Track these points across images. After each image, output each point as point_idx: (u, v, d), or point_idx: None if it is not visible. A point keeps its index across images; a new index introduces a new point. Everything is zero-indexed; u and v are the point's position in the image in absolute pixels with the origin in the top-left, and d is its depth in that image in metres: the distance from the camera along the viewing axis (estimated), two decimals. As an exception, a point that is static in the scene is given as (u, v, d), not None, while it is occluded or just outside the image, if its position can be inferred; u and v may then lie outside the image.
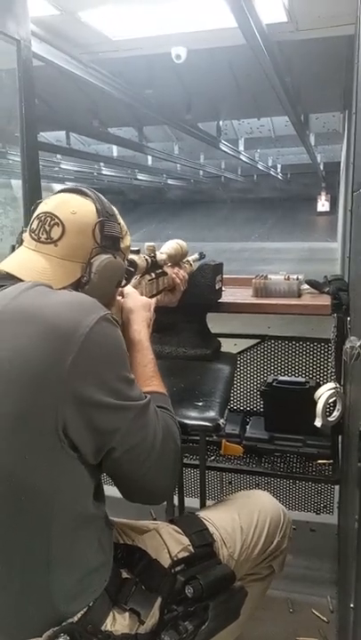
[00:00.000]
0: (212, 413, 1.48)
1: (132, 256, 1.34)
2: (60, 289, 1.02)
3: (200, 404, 1.52)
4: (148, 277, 1.48)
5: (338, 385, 1.81)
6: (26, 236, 1.10)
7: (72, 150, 7.54)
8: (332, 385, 1.79)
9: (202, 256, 1.90)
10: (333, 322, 1.91)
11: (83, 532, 0.98)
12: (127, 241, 1.18)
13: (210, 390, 1.62)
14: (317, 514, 2.48)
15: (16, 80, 1.93)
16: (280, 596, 2.00)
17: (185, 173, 13.73)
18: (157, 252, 1.53)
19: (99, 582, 1.02)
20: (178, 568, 1.15)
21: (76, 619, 0.97)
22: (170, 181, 15.36)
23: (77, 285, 1.06)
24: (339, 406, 1.80)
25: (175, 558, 1.17)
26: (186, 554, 1.19)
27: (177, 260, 1.70)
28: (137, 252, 1.39)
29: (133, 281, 1.37)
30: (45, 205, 1.09)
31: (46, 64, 3.20)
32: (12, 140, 2.03)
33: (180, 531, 1.24)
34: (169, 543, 1.20)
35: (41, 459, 0.89)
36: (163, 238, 1.53)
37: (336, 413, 1.80)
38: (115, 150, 9.49)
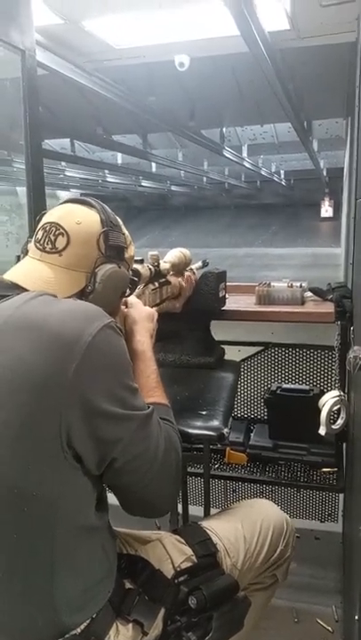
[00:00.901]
0: (216, 422, 1.47)
1: (135, 265, 1.35)
2: (64, 298, 1.02)
3: (204, 412, 1.51)
4: (151, 287, 1.48)
5: (342, 393, 1.80)
6: (31, 246, 1.11)
7: (77, 158, 7.56)
8: (336, 393, 1.78)
9: (205, 264, 1.90)
10: (337, 329, 1.90)
11: (86, 542, 0.98)
12: (131, 251, 1.19)
13: (214, 399, 1.61)
14: (322, 522, 2.47)
15: (20, 89, 1.94)
16: (284, 605, 1.99)
17: (189, 180, 13.74)
18: (161, 262, 1.53)
19: (102, 593, 1.01)
20: (181, 578, 1.15)
21: (79, 630, 0.96)
22: (174, 188, 15.37)
23: (82, 295, 1.06)
24: (343, 414, 1.79)
25: (178, 569, 1.17)
26: (189, 564, 1.19)
27: (180, 268, 1.71)
28: (141, 261, 1.40)
29: (137, 290, 1.37)
30: (50, 216, 1.10)
31: (50, 73, 3.22)
32: (17, 147, 2.04)
33: (183, 541, 1.24)
34: (172, 553, 1.19)
35: (44, 468, 0.89)
36: (166, 245, 1.54)
37: (340, 421, 1.79)
38: (119, 157, 9.52)
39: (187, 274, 1.76)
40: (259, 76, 3.57)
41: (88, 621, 0.98)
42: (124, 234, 1.15)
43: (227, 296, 2.00)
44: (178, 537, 1.25)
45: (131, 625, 1.04)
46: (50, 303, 0.97)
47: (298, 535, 2.45)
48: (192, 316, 1.83)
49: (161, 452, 1.00)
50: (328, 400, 1.77)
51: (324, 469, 2.08)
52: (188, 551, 1.21)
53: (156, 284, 1.51)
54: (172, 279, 1.63)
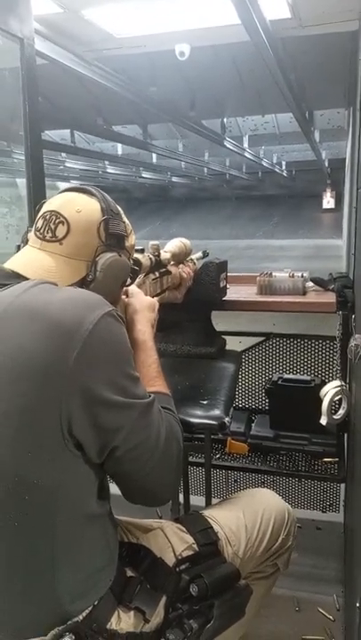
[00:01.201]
0: (217, 412, 1.47)
1: (136, 255, 1.34)
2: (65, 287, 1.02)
3: (205, 402, 1.51)
4: (152, 276, 1.47)
5: (343, 383, 1.80)
6: (31, 235, 1.10)
7: (77, 149, 7.54)
8: (337, 383, 1.78)
9: (205, 254, 1.90)
10: (339, 319, 1.90)
11: (88, 530, 0.98)
12: (132, 240, 1.19)
13: (215, 388, 1.61)
14: (323, 512, 2.48)
15: (20, 78, 1.93)
16: (286, 594, 1.99)
17: (189, 171, 13.70)
18: (161, 251, 1.53)
19: (104, 581, 1.02)
20: (182, 567, 1.15)
21: (81, 617, 0.96)
22: (174, 179, 15.33)
23: (82, 284, 1.06)
24: (344, 404, 1.79)
25: (180, 557, 1.17)
26: (190, 552, 1.19)
27: (181, 258, 1.70)
28: (141, 250, 1.40)
29: (138, 280, 1.37)
30: (50, 204, 1.10)
31: (50, 62, 3.20)
32: (17, 138, 2.03)
33: (184, 529, 1.24)
34: (173, 542, 1.20)
35: (44, 456, 0.89)
36: (167, 236, 1.53)
37: (342, 411, 1.80)
38: (119, 148, 9.49)
39: (187, 265, 1.75)
40: (260, 65, 3.54)
41: (90, 609, 0.98)
42: (124, 222, 1.14)
43: (228, 286, 1.99)
44: (179, 525, 1.25)
45: (132, 612, 1.04)
46: (50, 291, 0.97)
47: (299, 525, 2.45)
48: (193, 307, 1.83)
49: (162, 441, 1.00)
50: (329, 390, 1.77)
51: (326, 459, 2.08)
52: (190, 539, 1.21)
53: (157, 273, 1.50)
54: (173, 269, 1.63)
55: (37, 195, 1.94)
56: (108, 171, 11.26)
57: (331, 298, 1.92)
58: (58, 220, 1.06)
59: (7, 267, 1.05)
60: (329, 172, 16.05)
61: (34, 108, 1.96)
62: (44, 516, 0.91)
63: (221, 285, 1.91)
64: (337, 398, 1.77)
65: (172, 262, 1.62)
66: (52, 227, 1.06)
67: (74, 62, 3.39)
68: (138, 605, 1.04)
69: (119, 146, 9.34)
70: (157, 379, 1.16)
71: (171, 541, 1.20)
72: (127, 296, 1.28)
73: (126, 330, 1.14)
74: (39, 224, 1.08)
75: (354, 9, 2.60)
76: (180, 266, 1.71)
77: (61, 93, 4.84)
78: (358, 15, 2.64)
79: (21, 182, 2.13)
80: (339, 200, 17.78)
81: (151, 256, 1.44)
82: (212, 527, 1.26)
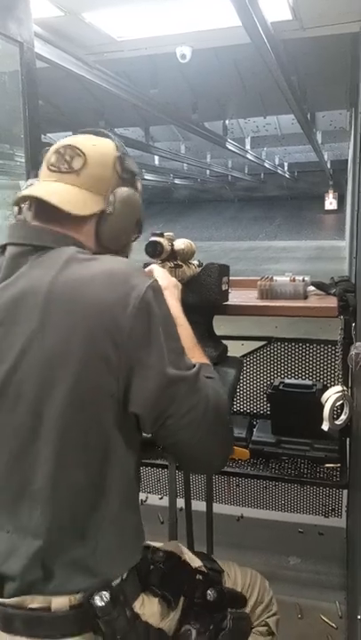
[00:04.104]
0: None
1: (157, 238, 1.38)
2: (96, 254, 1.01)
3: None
4: (168, 264, 1.48)
5: (345, 388, 1.79)
6: (42, 171, 1.08)
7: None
8: (339, 388, 1.77)
9: (200, 264, 1.89)
10: (340, 324, 1.89)
11: (130, 499, 1.00)
12: (140, 184, 1.17)
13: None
14: (326, 517, 2.46)
15: (19, 82, 1.93)
16: (288, 601, 1.98)
17: (192, 173, 13.73)
18: (174, 242, 1.53)
19: (134, 557, 1.02)
20: (199, 576, 1.16)
21: (113, 584, 0.96)
22: (177, 181, 15.36)
23: (100, 218, 1.05)
24: (346, 409, 1.77)
25: (195, 568, 1.18)
26: (203, 570, 1.20)
27: (187, 257, 1.70)
28: (161, 234, 1.41)
29: (157, 264, 1.39)
30: (62, 142, 1.07)
31: (52, 66, 3.19)
32: (19, 141, 2.03)
33: (193, 555, 1.25)
34: (188, 556, 1.20)
35: (103, 424, 0.92)
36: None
37: (344, 417, 1.78)
38: (121, 150, 9.48)
39: (190, 267, 1.74)
40: (261, 67, 3.54)
41: (119, 580, 0.98)
42: (135, 164, 1.14)
43: (230, 291, 1.98)
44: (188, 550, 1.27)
45: (157, 600, 1.04)
46: (86, 266, 0.95)
47: (301, 530, 2.48)
48: (194, 310, 1.81)
49: (211, 406, 0.99)
50: (331, 395, 1.75)
51: (328, 465, 2.06)
52: (199, 562, 1.22)
53: (173, 263, 1.51)
54: (183, 265, 1.63)
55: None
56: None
57: (332, 302, 1.90)
58: (74, 153, 1.04)
59: (29, 193, 1.03)
60: (331, 174, 16.07)
61: (34, 112, 1.95)
62: (98, 475, 0.93)
63: (223, 289, 1.89)
64: (339, 403, 1.76)
65: (180, 259, 1.62)
66: (68, 159, 1.04)
67: (75, 65, 3.39)
68: (164, 592, 1.05)
69: (121, 148, 9.34)
70: (195, 349, 1.14)
71: (186, 555, 1.20)
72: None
73: None
74: (53, 159, 1.05)
75: (355, 10, 2.59)
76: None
77: (63, 96, 4.85)
78: (359, 16, 2.63)
79: (24, 185, 2.13)
80: (341, 201, 17.82)
81: (169, 243, 1.45)
82: (215, 561, 1.27)
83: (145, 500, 2.74)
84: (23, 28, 1.88)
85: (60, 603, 0.93)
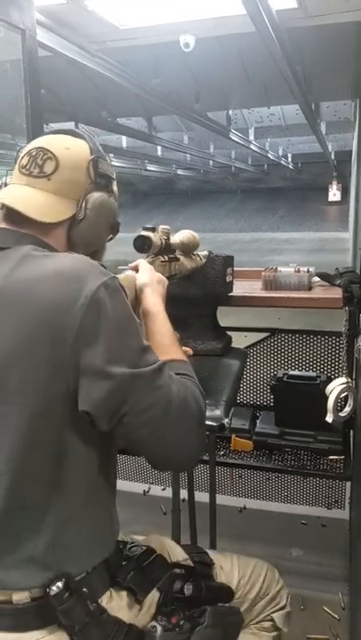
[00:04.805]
0: (217, 412, 1.45)
1: (147, 233, 1.34)
2: (58, 252, 1.00)
3: (206, 402, 1.49)
4: (160, 258, 1.46)
5: (350, 380, 1.78)
6: (14, 172, 1.05)
7: (81, 141, 7.51)
8: (343, 380, 1.76)
9: (210, 254, 1.88)
10: (345, 315, 1.87)
11: (94, 495, 0.98)
12: (115, 187, 1.14)
13: (217, 388, 1.59)
14: (329, 509, 2.46)
15: (21, 70, 1.91)
16: (291, 592, 1.96)
17: (195, 163, 13.67)
18: (171, 236, 1.51)
19: (101, 553, 1.01)
20: (178, 571, 1.13)
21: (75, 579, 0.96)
22: (180, 172, 15.30)
23: (72, 223, 1.02)
24: (350, 401, 1.77)
25: (176, 562, 1.17)
26: (186, 563, 1.18)
27: (189, 249, 1.68)
28: (152, 229, 1.39)
29: (148, 259, 1.37)
30: (35, 143, 1.05)
31: (54, 54, 3.17)
32: (21, 131, 2.01)
33: (180, 549, 1.23)
34: (171, 550, 1.19)
35: (55, 422, 0.90)
36: (173, 229, 1.51)
37: (348, 409, 1.77)
38: (124, 141, 9.45)
39: (194, 260, 1.73)
40: (266, 56, 3.50)
41: (83, 575, 0.97)
42: (111, 165, 1.11)
43: (234, 282, 1.96)
44: (176, 544, 1.25)
45: (124, 593, 1.03)
46: (41, 264, 0.93)
47: (304, 522, 2.48)
48: (199, 302, 1.80)
49: (175, 402, 0.95)
50: (335, 387, 1.74)
51: (331, 457, 2.06)
52: (185, 556, 1.21)
53: (166, 257, 1.49)
54: (182, 258, 1.61)
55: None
56: (113, 163, 11.11)
57: (337, 293, 1.89)
58: (46, 156, 1.01)
59: None
60: (335, 165, 15.98)
61: (36, 100, 1.94)
62: (54, 470, 0.92)
63: (228, 280, 1.88)
64: (343, 395, 1.75)
65: (179, 253, 1.60)
66: (40, 162, 1.01)
67: (77, 54, 3.36)
68: (130, 585, 1.03)
69: (124, 138, 9.30)
70: (171, 346, 1.11)
71: (169, 549, 1.19)
72: (137, 271, 1.25)
73: (138, 301, 1.12)
74: (24, 161, 1.03)
75: (361, -1, 2.56)
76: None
77: (65, 85, 4.81)
78: (366, 5, 2.60)
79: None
80: (345, 192, 17.73)
81: (162, 237, 1.43)
82: (207, 553, 1.26)
83: (147, 491, 2.75)
84: (25, 15, 1.86)
85: (20, 595, 0.93)
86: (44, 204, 1.00)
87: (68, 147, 1.03)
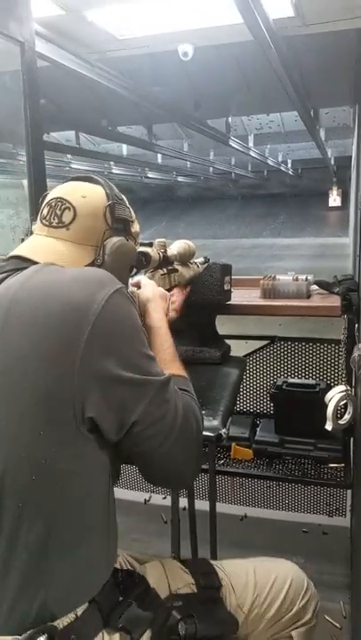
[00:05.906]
0: (214, 422, 1.45)
1: (145, 249, 1.36)
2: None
3: (204, 412, 1.49)
4: (160, 272, 1.49)
5: (349, 387, 1.78)
6: (36, 224, 1.10)
7: (82, 150, 7.53)
8: (342, 387, 1.75)
9: (207, 260, 1.88)
10: (344, 323, 1.87)
11: (88, 529, 0.95)
12: (136, 227, 1.18)
13: (215, 398, 1.59)
14: (330, 516, 2.45)
15: (20, 81, 1.92)
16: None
17: (195, 170, 13.68)
18: (167, 249, 1.53)
19: (91, 588, 0.97)
20: (175, 603, 1.09)
21: (61, 624, 0.91)
22: (180, 179, 15.31)
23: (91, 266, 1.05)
24: (350, 409, 1.76)
25: (175, 592, 1.12)
26: (188, 591, 1.14)
27: (185, 259, 1.70)
28: (149, 244, 1.41)
29: (148, 274, 1.40)
30: (55, 193, 1.09)
31: (54, 65, 3.19)
32: (22, 140, 2.03)
33: (185, 569, 1.19)
34: (171, 577, 1.15)
35: (54, 437, 0.88)
36: (173, 236, 1.53)
37: (347, 416, 1.77)
38: (124, 149, 9.48)
39: (191, 268, 1.74)
40: (264, 64, 3.51)
41: (73, 618, 0.93)
42: (128, 208, 1.14)
43: (232, 290, 1.97)
44: (181, 565, 1.20)
45: (118, 635, 0.99)
46: (60, 271, 0.96)
47: (306, 530, 2.47)
48: (197, 310, 1.81)
49: (180, 419, 0.97)
50: (335, 395, 1.74)
51: (332, 465, 2.06)
52: (189, 579, 1.16)
53: (165, 270, 1.52)
54: (180, 268, 1.63)
55: (39, 196, 1.93)
56: (114, 171, 11.25)
57: (336, 301, 1.89)
58: (64, 206, 1.05)
59: (16, 253, 1.04)
60: (335, 170, 15.98)
61: (35, 111, 1.95)
62: (47, 499, 0.90)
63: (226, 288, 1.89)
64: (342, 403, 1.74)
65: (177, 263, 1.62)
66: (59, 212, 1.05)
67: (77, 64, 3.38)
68: (124, 625, 0.98)
69: (124, 146, 9.33)
70: (173, 362, 1.14)
71: (168, 576, 1.15)
72: (139, 287, 1.29)
73: (142, 317, 1.15)
74: (45, 212, 1.08)
75: (358, 6, 2.57)
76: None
77: (65, 95, 4.83)
78: (362, 13, 2.61)
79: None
80: (345, 198, 17.75)
81: (159, 251, 1.45)
82: (216, 572, 1.19)
83: (148, 500, 2.74)
84: (24, 27, 1.87)
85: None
86: (63, 252, 1.03)
87: (85, 195, 1.07)
